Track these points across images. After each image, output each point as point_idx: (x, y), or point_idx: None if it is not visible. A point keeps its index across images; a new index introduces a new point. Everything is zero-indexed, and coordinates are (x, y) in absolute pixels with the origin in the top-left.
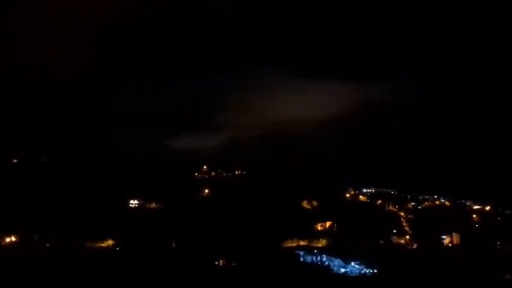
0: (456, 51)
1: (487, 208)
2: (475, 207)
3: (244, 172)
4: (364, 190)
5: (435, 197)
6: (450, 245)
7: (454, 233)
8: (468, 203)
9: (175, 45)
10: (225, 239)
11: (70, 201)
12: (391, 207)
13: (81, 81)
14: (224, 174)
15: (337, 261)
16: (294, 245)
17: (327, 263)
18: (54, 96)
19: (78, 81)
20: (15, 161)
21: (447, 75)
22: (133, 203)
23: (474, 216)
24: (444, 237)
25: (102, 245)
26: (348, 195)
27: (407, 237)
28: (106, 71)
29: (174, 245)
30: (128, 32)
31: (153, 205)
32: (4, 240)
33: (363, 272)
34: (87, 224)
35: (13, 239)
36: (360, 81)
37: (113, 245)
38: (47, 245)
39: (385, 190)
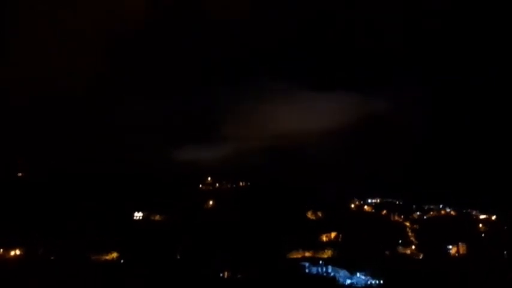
0: (459, 64)
1: (493, 217)
2: (481, 216)
3: (249, 183)
4: (369, 200)
5: (441, 206)
6: (456, 255)
7: (460, 243)
8: (474, 213)
9: (181, 58)
10: (229, 251)
11: (75, 215)
12: (396, 218)
13: (87, 95)
14: (228, 185)
15: (342, 272)
16: (299, 256)
17: (332, 274)
18: (58, 110)
19: (83, 94)
20: (20, 174)
21: (450, 86)
22: (138, 215)
23: (480, 225)
24: (450, 247)
25: (107, 257)
26: (352, 205)
27: (413, 247)
28: (111, 84)
29: (178, 257)
30: (133, 45)
31: (157, 217)
32: (9, 253)
33: (368, 283)
34: (92, 237)
35: (18, 252)
36: (363, 94)
37: (117, 257)
38: (52, 258)
39: (390, 200)
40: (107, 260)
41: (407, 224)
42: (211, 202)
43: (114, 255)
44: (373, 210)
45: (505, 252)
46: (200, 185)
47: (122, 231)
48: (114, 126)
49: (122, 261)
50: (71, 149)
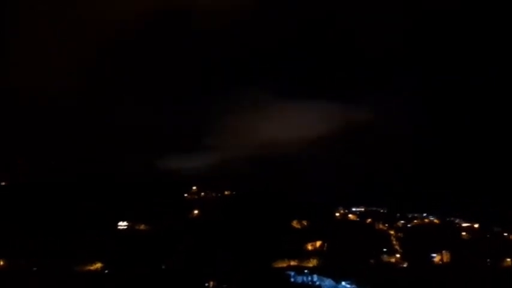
0: (439, 72)
1: (476, 226)
2: (464, 224)
3: (234, 192)
4: (354, 209)
5: (424, 215)
6: (441, 262)
7: (444, 251)
8: (457, 221)
9: (164, 67)
10: (215, 260)
11: (57, 224)
12: (381, 226)
13: (69, 102)
14: (213, 194)
15: (328, 281)
16: (285, 265)
17: (317, 283)
18: (41, 118)
19: (66, 101)
20: (3, 183)
21: (432, 94)
22: (122, 224)
23: (463, 233)
24: (434, 255)
25: (91, 268)
26: (337, 214)
27: (398, 255)
28: (95, 91)
29: (163, 267)
30: (119, 53)
31: (142, 227)
32: None
33: None
34: (75, 247)
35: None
36: (346, 101)
37: (101, 268)
38: (34, 269)
39: (374, 209)
40: (90, 271)
41: (392, 232)
42: (196, 211)
43: (98, 265)
44: (358, 219)
45: (488, 260)
46: (185, 194)
47: (106, 241)
48: (98, 135)
49: (106, 271)
50: (52, 159)
